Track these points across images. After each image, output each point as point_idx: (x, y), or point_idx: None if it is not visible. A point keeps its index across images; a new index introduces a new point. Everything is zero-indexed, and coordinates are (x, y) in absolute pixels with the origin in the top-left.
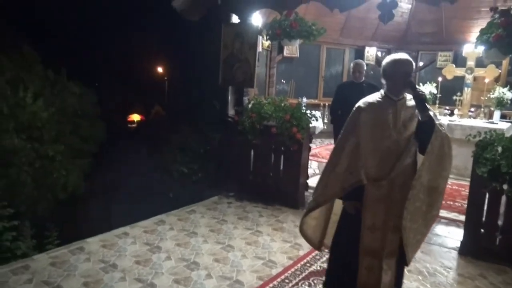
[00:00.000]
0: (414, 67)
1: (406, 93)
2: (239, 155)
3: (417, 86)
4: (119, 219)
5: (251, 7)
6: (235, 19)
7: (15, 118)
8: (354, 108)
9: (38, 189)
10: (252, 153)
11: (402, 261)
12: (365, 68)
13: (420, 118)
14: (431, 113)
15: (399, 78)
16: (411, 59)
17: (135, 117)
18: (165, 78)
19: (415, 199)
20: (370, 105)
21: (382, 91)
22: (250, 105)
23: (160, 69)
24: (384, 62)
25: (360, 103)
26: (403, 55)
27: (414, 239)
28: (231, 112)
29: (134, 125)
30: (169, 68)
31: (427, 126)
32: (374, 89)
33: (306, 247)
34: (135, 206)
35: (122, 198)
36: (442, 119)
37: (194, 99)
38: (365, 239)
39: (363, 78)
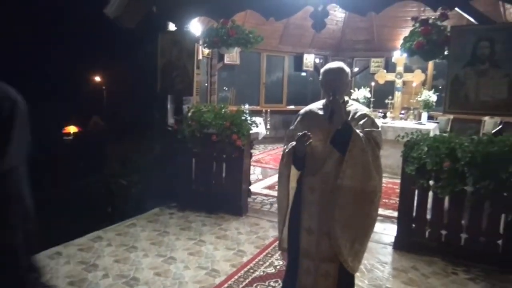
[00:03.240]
0: (343, 74)
1: (349, 100)
2: (180, 165)
3: (338, 97)
4: (51, 239)
5: (188, 15)
6: (172, 26)
7: None
8: (296, 115)
9: None
10: (193, 161)
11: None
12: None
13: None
14: (362, 121)
15: (327, 85)
16: (340, 67)
17: (71, 128)
18: (103, 87)
19: (342, 208)
20: (307, 112)
21: (325, 99)
22: (189, 113)
23: (97, 78)
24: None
25: (302, 110)
26: (333, 64)
27: (352, 250)
28: (171, 121)
29: (70, 137)
30: (107, 77)
31: (342, 135)
32: None
33: (249, 253)
34: (69, 223)
35: (54, 216)
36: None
37: (134, 108)
38: (303, 241)
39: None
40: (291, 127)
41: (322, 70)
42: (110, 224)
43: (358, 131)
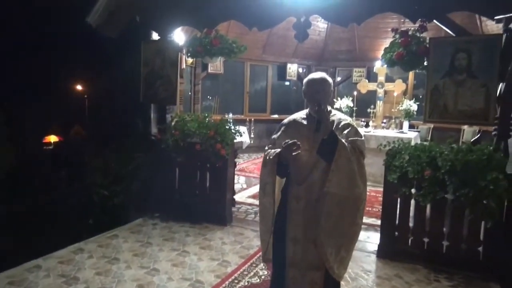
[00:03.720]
0: (327, 84)
1: (332, 110)
2: (163, 174)
3: (323, 107)
4: (30, 251)
5: (171, 25)
6: (155, 36)
7: None
8: (280, 124)
9: None
10: (177, 171)
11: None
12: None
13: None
14: (346, 130)
15: (311, 95)
16: (323, 77)
17: (52, 138)
18: (85, 96)
19: (328, 215)
20: (291, 121)
21: (308, 109)
22: (173, 123)
23: (79, 87)
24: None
25: (285, 120)
26: (316, 74)
27: (337, 256)
28: (154, 130)
29: (50, 147)
30: (89, 86)
31: (327, 144)
32: None
33: (234, 263)
34: (49, 235)
35: (33, 228)
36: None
37: (116, 117)
38: (289, 251)
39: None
40: (274, 136)
41: (305, 81)
42: (91, 235)
43: (343, 140)
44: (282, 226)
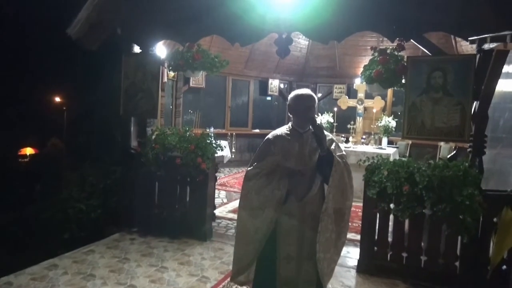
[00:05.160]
0: (315, 100)
1: None
2: (142, 188)
3: (317, 122)
4: (1, 268)
5: (153, 38)
6: (137, 49)
7: None
8: (264, 140)
9: None
10: (156, 185)
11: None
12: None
13: (320, 152)
14: (332, 145)
15: (302, 112)
16: (312, 94)
17: (28, 150)
18: (64, 108)
19: (325, 231)
20: (277, 137)
21: (290, 124)
22: (153, 136)
23: (58, 99)
24: (289, 97)
25: (269, 135)
26: (304, 91)
27: (328, 268)
28: (134, 143)
29: (26, 159)
30: (68, 98)
31: (326, 160)
32: None
33: (213, 279)
34: (22, 251)
35: (5, 243)
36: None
37: (95, 130)
38: (281, 270)
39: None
40: (259, 156)
41: (293, 97)
42: (66, 251)
43: (336, 156)
44: (272, 246)
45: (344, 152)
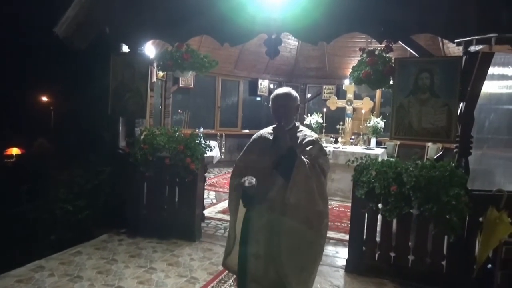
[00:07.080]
0: (290, 99)
1: (299, 126)
2: (131, 189)
3: (283, 122)
4: None
5: (142, 38)
6: (125, 48)
7: None
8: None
9: None
10: (145, 185)
11: None
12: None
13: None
14: (309, 147)
15: (274, 110)
16: (288, 92)
17: (14, 150)
18: (51, 108)
19: (289, 235)
20: (258, 137)
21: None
22: (142, 136)
23: (45, 98)
24: None
25: (254, 135)
26: (282, 89)
27: (300, 278)
28: (122, 143)
29: (12, 160)
30: (55, 97)
31: (286, 160)
32: None
33: (202, 280)
34: (7, 252)
35: None
36: (328, 146)
37: (83, 130)
38: (250, 266)
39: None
40: (241, 154)
41: (271, 96)
42: (53, 252)
43: (304, 157)
44: (246, 240)
45: (327, 155)
